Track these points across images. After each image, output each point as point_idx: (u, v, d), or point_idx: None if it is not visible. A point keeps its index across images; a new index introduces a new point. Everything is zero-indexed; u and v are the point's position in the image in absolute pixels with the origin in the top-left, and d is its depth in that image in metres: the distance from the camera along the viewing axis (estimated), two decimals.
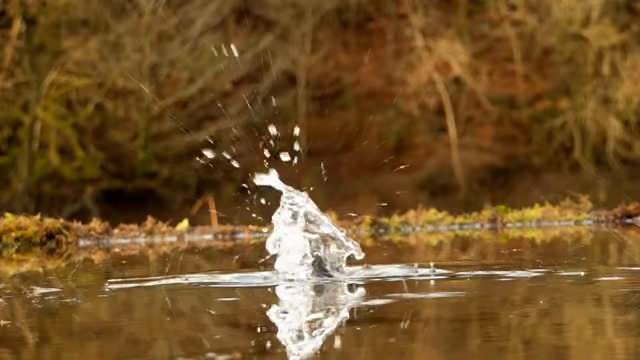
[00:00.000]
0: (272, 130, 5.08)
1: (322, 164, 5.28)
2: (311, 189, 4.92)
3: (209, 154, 5.09)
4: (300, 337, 3.42)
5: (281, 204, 4.85)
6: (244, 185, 5.04)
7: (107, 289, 4.75)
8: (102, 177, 19.12)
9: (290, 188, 4.87)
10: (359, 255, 4.82)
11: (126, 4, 19.35)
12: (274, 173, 4.87)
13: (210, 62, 19.26)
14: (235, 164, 5.10)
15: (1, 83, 18.74)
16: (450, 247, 7.06)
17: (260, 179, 4.86)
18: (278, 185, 4.86)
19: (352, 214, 8.00)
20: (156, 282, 4.89)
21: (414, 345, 3.30)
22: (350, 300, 4.25)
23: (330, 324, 3.70)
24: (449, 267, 5.09)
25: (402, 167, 18.63)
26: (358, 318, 3.84)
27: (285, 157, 5.02)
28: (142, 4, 19.36)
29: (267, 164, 4.91)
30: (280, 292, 4.53)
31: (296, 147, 5.04)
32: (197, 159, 5.13)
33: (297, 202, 4.84)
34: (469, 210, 8.41)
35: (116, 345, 3.47)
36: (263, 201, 5.03)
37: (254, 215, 4.96)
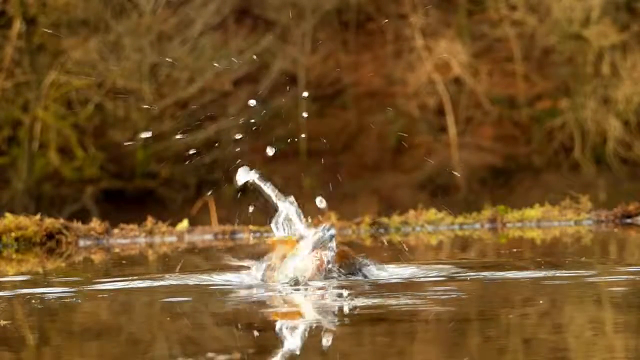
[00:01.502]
0: (252, 103, 5.05)
1: (339, 168, 5.24)
2: (319, 199, 4.83)
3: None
4: (299, 337, 3.42)
5: (278, 213, 4.77)
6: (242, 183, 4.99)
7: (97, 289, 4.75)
8: (102, 177, 19.12)
9: (272, 188, 4.76)
10: (377, 268, 4.79)
11: (126, 4, 19.36)
12: (253, 172, 4.75)
13: (210, 61, 19.27)
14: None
15: (1, 83, 18.75)
16: (450, 247, 7.06)
17: (241, 175, 4.73)
18: (257, 181, 4.73)
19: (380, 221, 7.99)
20: (156, 283, 4.89)
21: (414, 346, 3.30)
22: (350, 300, 4.25)
23: (331, 324, 3.71)
24: (449, 267, 5.10)
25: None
26: (358, 318, 3.84)
27: (271, 151, 4.98)
28: (142, 4, 19.36)
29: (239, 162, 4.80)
30: (280, 292, 4.53)
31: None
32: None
33: (288, 213, 4.71)
34: (469, 210, 8.42)
35: (116, 345, 3.47)
36: (256, 205, 4.98)
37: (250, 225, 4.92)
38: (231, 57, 19.46)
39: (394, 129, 20.75)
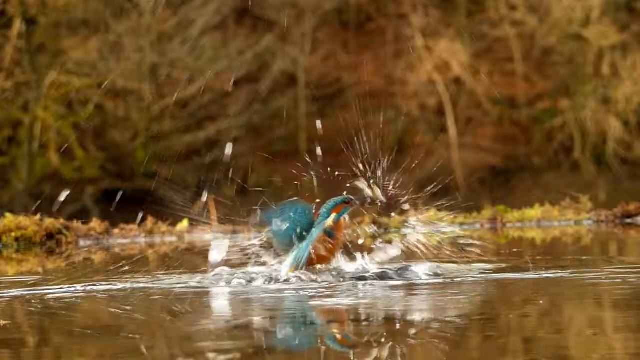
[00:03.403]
0: (231, 141, 5.07)
1: (340, 168, 5.26)
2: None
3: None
4: (298, 337, 3.42)
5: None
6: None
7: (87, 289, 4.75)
8: (102, 177, 19.12)
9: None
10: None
11: (126, 4, 19.35)
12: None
13: (210, 61, 19.27)
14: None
15: (1, 83, 18.75)
16: (450, 247, 7.05)
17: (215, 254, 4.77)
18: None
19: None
20: (155, 283, 4.89)
21: (414, 346, 3.30)
22: (349, 299, 4.25)
23: (329, 322, 3.70)
24: (449, 267, 5.10)
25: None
26: (358, 317, 3.83)
27: (254, 225, 5.01)
28: (142, 4, 19.36)
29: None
30: (279, 291, 4.53)
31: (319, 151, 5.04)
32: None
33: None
34: (469, 210, 8.41)
35: (116, 345, 3.47)
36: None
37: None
38: (231, 57, 19.46)
39: (394, 129, 20.73)
